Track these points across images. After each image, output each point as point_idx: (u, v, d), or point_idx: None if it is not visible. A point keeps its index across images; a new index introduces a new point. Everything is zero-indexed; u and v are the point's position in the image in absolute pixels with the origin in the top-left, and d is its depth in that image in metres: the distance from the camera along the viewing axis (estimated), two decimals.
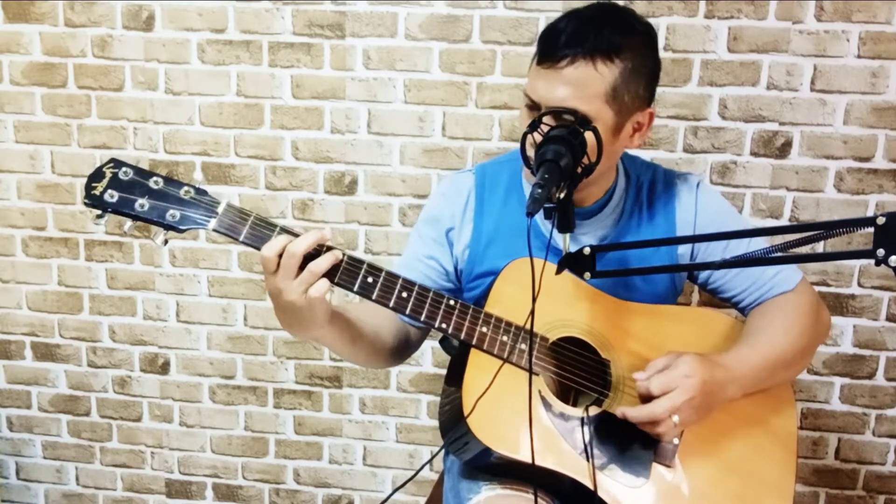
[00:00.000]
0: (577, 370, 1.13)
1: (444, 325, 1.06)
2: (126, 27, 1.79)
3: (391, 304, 1.03)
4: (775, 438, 1.15)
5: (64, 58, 1.82)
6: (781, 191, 1.73)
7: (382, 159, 1.80)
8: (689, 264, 1.21)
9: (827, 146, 1.70)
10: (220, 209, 0.99)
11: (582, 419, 1.08)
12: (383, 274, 1.03)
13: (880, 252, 0.79)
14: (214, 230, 0.98)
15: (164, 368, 1.98)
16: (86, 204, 0.97)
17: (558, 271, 1.06)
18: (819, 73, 1.66)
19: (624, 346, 1.14)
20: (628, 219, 1.20)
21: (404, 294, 1.04)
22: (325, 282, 0.97)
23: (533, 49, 1.10)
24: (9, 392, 2.04)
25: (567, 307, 1.14)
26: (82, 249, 1.93)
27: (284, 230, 0.98)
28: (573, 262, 1.04)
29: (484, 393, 1.02)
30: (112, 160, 0.98)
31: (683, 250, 1.22)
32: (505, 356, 1.07)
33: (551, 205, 1.02)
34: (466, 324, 1.07)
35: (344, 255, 1.00)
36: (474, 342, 1.07)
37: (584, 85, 1.03)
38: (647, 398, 1.05)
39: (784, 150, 1.71)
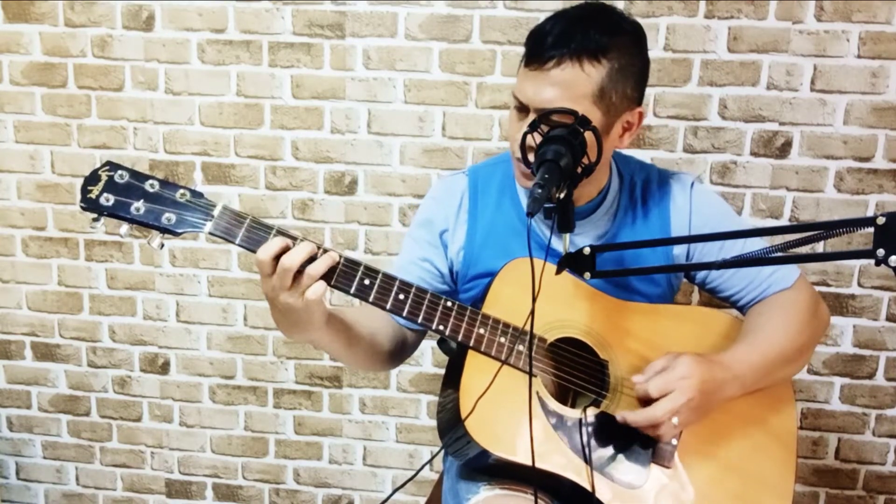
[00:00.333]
0: (576, 371, 1.13)
1: (441, 327, 1.06)
2: (126, 27, 1.79)
3: (388, 305, 1.03)
4: (775, 438, 1.15)
5: (64, 58, 1.82)
6: (781, 191, 1.73)
7: (382, 159, 1.80)
8: (688, 264, 1.21)
9: (827, 146, 1.70)
10: (216, 212, 0.98)
11: (580, 420, 1.08)
12: (380, 276, 1.02)
13: (880, 252, 0.79)
14: (210, 233, 0.98)
15: (164, 368, 1.98)
16: (82, 208, 0.96)
17: (558, 271, 1.06)
18: (819, 73, 1.66)
19: (622, 346, 1.14)
20: (623, 218, 1.20)
21: (401, 296, 1.04)
22: (321, 284, 0.97)
23: None
24: (9, 392, 2.04)
25: (565, 307, 1.13)
26: (82, 249, 1.93)
27: (281, 232, 0.98)
28: (573, 262, 1.04)
29: (482, 395, 1.01)
30: (108, 163, 0.98)
31: (680, 250, 1.22)
32: (503, 358, 1.07)
33: (551, 205, 1.02)
34: (464, 325, 1.07)
35: (341, 257, 1.00)
36: (472, 344, 1.07)
37: (572, 86, 1.03)
38: (646, 401, 1.05)
39: (784, 150, 1.71)
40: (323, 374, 1.94)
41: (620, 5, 1.65)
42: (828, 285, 1.77)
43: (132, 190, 0.97)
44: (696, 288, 1.78)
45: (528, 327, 1.01)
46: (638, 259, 1.19)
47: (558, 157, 0.99)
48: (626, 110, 1.09)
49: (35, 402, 2.04)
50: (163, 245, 0.99)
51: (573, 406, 1.12)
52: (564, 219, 1.04)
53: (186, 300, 1.93)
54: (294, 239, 0.97)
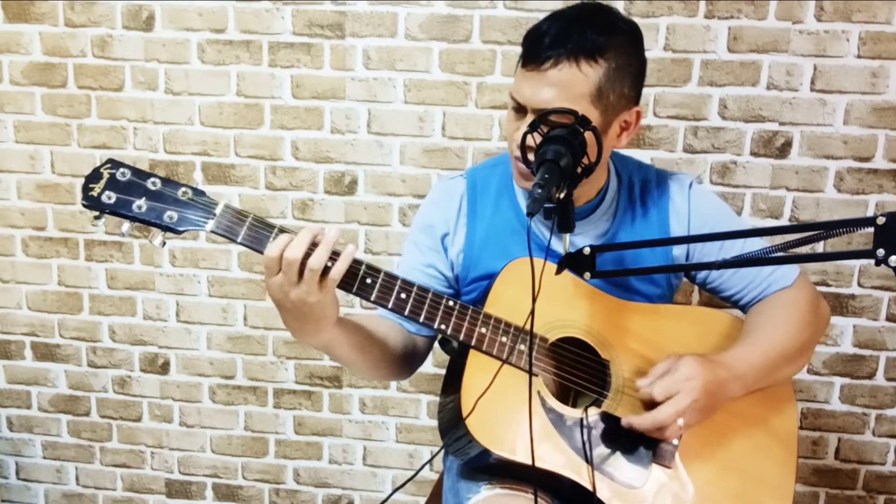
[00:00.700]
0: (577, 371, 1.13)
1: (442, 326, 1.06)
2: (126, 27, 1.79)
3: (390, 304, 1.03)
4: (775, 438, 1.15)
5: (64, 58, 1.82)
6: (781, 191, 1.73)
7: (382, 159, 1.80)
8: (688, 264, 1.21)
9: (827, 146, 1.70)
10: (218, 210, 0.98)
11: (581, 420, 1.08)
12: (382, 274, 1.02)
13: (880, 252, 0.79)
14: (212, 231, 0.98)
15: (164, 368, 1.98)
16: (83, 205, 0.96)
17: (558, 271, 1.06)
18: (819, 73, 1.66)
19: (623, 346, 1.14)
20: (622, 219, 1.20)
21: (403, 295, 1.04)
22: (342, 266, 0.96)
23: None
24: (9, 392, 2.04)
25: (566, 307, 1.13)
26: (82, 249, 1.93)
27: (283, 231, 0.98)
28: (573, 262, 1.04)
29: (483, 394, 1.01)
30: (109, 161, 0.98)
31: (679, 251, 1.22)
32: (504, 357, 1.07)
33: (551, 205, 1.02)
34: (465, 324, 1.07)
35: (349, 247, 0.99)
36: (473, 343, 1.07)
37: (569, 86, 1.03)
38: (649, 403, 1.05)
39: (784, 150, 1.71)
40: (323, 374, 1.94)
41: (620, 5, 1.65)
42: (828, 285, 1.77)
43: (134, 188, 0.97)
44: (696, 288, 1.78)
45: (528, 327, 1.01)
46: (637, 260, 1.20)
47: (558, 157, 0.99)
48: (623, 110, 1.09)
49: (35, 402, 2.04)
50: (164, 243, 0.99)
51: (574, 406, 1.12)
52: (564, 219, 1.04)
53: (186, 300, 1.93)
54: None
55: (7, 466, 2.09)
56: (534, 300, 0.98)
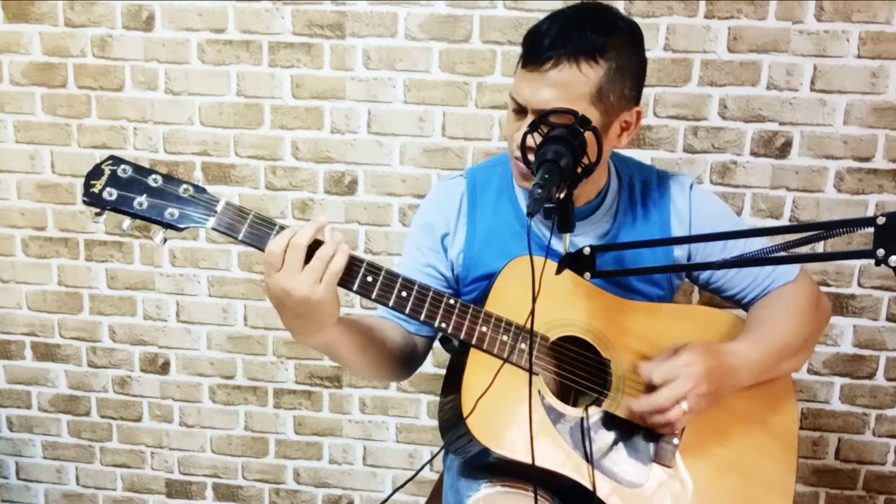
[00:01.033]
0: (577, 370, 1.13)
1: (443, 325, 1.06)
2: (126, 27, 1.79)
3: (391, 303, 1.03)
4: (776, 437, 1.15)
5: (64, 58, 1.82)
6: (781, 191, 1.73)
7: (382, 159, 1.80)
8: (689, 264, 1.21)
9: (827, 146, 1.70)
10: (219, 207, 0.98)
11: (582, 419, 1.08)
12: (383, 273, 1.02)
13: (880, 252, 0.79)
14: (213, 229, 0.97)
15: (164, 368, 1.98)
16: (84, 202, 0.96)
17: (558, 271, 1.06)
18: (819, 73, 1.66)
19: (624, 345, 1.14)
20: (623, 219, 1.21)
21: (404, 293, 1.04)
22: (340, 260, 0.96)
23: None
24: (9, 392, 2.04)
25: (567, 306, 1.14)
26: (82, 249, 1.93)
27: (284, 228, 0.98)
28: (573, 263, 1.04)
29: (484, 393, 1.01)
30: (111, 157, 0.97)
31: (680, 251, 1.22)
32: (505, 356, 1.07)
33: (551, 205, 1.02)
34: (466, 323, 1.07)
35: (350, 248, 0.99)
36: (474, 341, 1.07)
37: (569, 87, 1.03)
38: (651, 390, 1.05)
39: (784, 150, 1.71)
40: (323, 374, 1.94)
41: (620, 5, 1.65)
42: (828, 285, 1.77)
43: (135, 184, 0.97)
44: (696, 287, 1.78)
45: (529, 325, 1.01)
46: (638, 261, 1.20)
47: (558, 157, 0.99)
48: (623, 110, 1.09)
49: (35, 402, 2.04)
50: (165, 240, 0.99)
51: (575, 405, 1.12)
52: (564, 219, 1.04)
53: (186, 300, 1.93)
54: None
55: (7, 466, 2.09)
56: (534, 300, 0.98)
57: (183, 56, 1.80)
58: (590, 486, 1.04)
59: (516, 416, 1.04)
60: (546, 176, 0.96)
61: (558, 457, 1.05)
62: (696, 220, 1.21)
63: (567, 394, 1.15)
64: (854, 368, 1.81)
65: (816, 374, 1.82)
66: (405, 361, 1.21)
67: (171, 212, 0.97)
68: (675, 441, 1.09)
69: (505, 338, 1.08)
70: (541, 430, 1.05)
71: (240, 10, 1.76)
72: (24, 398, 2.04)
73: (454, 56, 1.73)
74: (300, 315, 0.97)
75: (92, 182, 0.96)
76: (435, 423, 1.94)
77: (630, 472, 1.08)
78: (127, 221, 0.97)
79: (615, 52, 1.05)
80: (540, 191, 0.94)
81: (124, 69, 1.82)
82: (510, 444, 1.03)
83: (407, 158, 1.80)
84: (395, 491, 1.28)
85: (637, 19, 1.12)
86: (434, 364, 1.90)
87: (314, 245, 0.95)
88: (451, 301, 1.06)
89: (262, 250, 0.97)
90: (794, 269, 1.21)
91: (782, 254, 0.92)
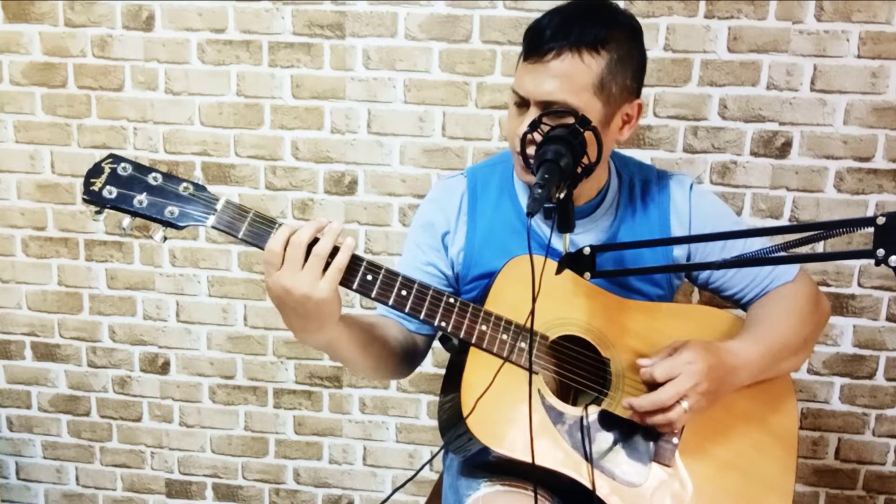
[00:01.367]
0: (577, 369, 1.13)
1: (443, 323, 1.06)
2: (126, 27, 1.79)
3: (390, 301, 1.03)
4: (775, 437, 1.15)
5: (64, 58, 1.82)
6: (781, 191, 1.73)
7: (382, 159, 1.80)
8: (689, 264, 1.21)
9: (827, 146, 1.70)
10: (219, 206, 0.98)
11: (581, 418, 1.08)
12: (383, 271, 1.02)
13: (880, 252, 0.79)
14: (213, 227, 0.97)
15: (164, 368, 1.98)
16: (84, 200, 0.96)
17: (558, 271, 1.06)
18: (819, 73, 1.67)
19: (624, 344, 1.14)
20: (623, 218, 1.21)
21: (404, 292, 1.03)
22: (344, 257, 0.96)
23: None
24: (9, 392, 2.04)
25: (567, 305, 1.14)
26: (82, 249, 1.93)
27: (284, 226, 0.98)
28: (573, 262, 1.04)
29: (484, 393, 1.01)
30: (111, 155, 0.97)
31: (680, 251, 1.23)
32: (505, 355, 1.07)
33: (551, 205, 1.02)
34: (466, 322, 1.07)
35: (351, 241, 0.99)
36: (474, 340, 1.07)
37: (572, 77, 1.04)
38: (652, 387, 1.05)
39: (784, 150, 1.71)
40: (323, 374, 1.94)
41: (620, 5, 1.65)
42: (828, 285, 1.77)
43: (135, 182, 0.97)
44: (696, 287, 1.78)
45: (529, 324, 1.01)
46: (638, 260, 1.20)
47: (558, 157, 0.99)
48: (625, 102, 1.10)
49: (35, 402, 2.04)
50: (165, 239, 0.99)
51: (575, 404, 1.12)
52: (564, 219, 1.04)
53: (186, 300, 1.93)
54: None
55: (7, 466, 2.09)
56: (534, 299, 0.98)
57: (183, 56, 1.80)
58: (589, 486, 1.04)
59: (516, 414, 1.04)
60: (546, 176, 0.97)
61: (558, 456, 1.05)
62: (696, 219, 1.21)
63: (567, 393, 1.15)
64: (854, 368, 1.81)
65: (816, 374, 1.82)
66: (406, 360, 1.21)
67: (171, 210, 0.97)
68: (675, 440, 1.09)
69: (505, 336, 1.08)
70: (540, 429, 1.05)
71: (240, 10, 1.76)
72: (24, 398, 2.04)
73: (454, 56, 1.73)
74: (301, 314, 0.97)
75: (92, 180, 0.96)
76: (435, 423, 1.94)
77: (629, 471, 1.08)
78: (127, 220, 0.97)
79: (616, 44, 1.05)
80: (540, 191, 0.94)
81: (124, 69, 1.82)
82: (510, 443, 1.03)
83: (407, 158, 1.80)
84: (395, 491, 1.28)
85: (637, 19, 1.12)
86: (434, 364, 1.90)
87: (315, 244, 0.95)
88: (451, 300, 1.06)
89: (262, 249, 0.97)
90: (794, 268, 1.21)
91: (782, 254, 0.92)
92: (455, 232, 1.23)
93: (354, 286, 1.00)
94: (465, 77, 1.74)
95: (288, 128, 1.81)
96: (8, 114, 1.87)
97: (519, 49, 1.11)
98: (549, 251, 1.04)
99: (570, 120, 1.03)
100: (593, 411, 1.09)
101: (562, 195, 1.02)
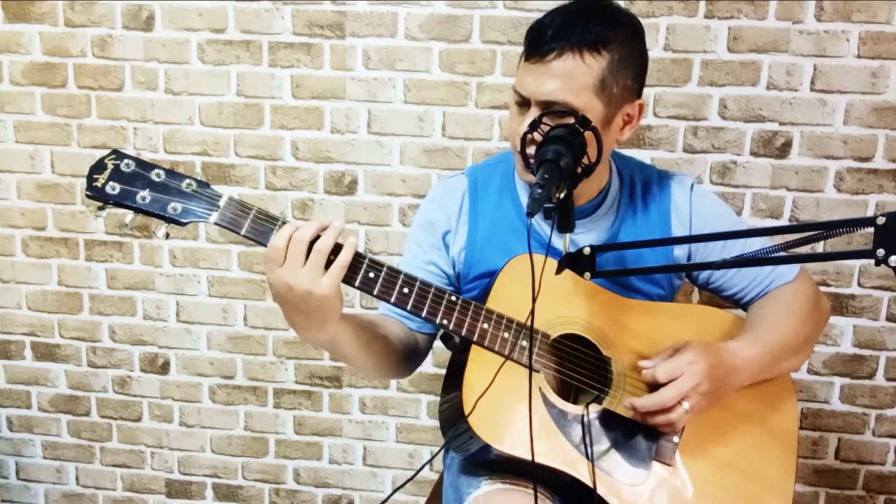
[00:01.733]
0: (578, 367, 1.13)
1: (445, 322, 1.06)
2: (126, 27, 1.79)
3: (392, 299, 1.03)
4: (775, 437, 1.15)
5: (64, 58, 1.82)
6: (781, 191, 1.73)
7: (382, 159, 1.80)
8: (689, 264, 1.22)
9: (827, 146, 1.70)
10: (222, 202, 0.98)
11: (582, 417, 1.08)
12: (385, 269, 1.02)
13: (880, 252, 0.79)
14: (216, 223, 0.97)
15: (164, 368, 1.98)
16: (87, 195, 0.96)
17: (558, 271, 1.06)
18: (819, 73, 1.67)
19: (625, 343, 1.14)
20: (624, 218, 1.21)
21: (406, 290, 1.03)
22: (347, 254, 0.96)
23: None
24: (9, 392, 2.04)
25: (568, 304, 1.14)
26: (82, 249, 1.93)
27: (287, 223, 0.98)
28: (573, 262, 1.04)
29: (485, 391, 1.01)
30: (114, 151, 0.98)
31: (680, 251, 1.23)
32: (506, 353, 1.07)
33: (551, 205, 1.02)
34: (468, 320, 1.07)
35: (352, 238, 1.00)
36: (475, 339, 1.07)
37: (573, 77, 1.04)
38: (653, 387, 1.05)
39: (784, 150, 1.71)
40: (323, 374, 1.94)
41: (620, 5, 1.65)
42: (828, 285, 1.77)
43: (138, 179, 0.97)
44: (696, 287, 1.78)
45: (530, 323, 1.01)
46: (638, 260, 1.20)
47: (558, 157, 0.99)
48: (626, 102, 1.10)
49: (35, 402, 2.04)
50: (168, 235, 0.99)
51: (576, 402, 1.12)
52: (564, 219, 1.04)
53: (186, 300, 1.93)
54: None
55: (7, 466, 2.09)
56: (534, 299, 0.98)
57: (183, 56, 1.80)
58: (590, 484, 1.04)
59: (517, 413, 1.04)
60: (546, 176, 0.97)
61: (559, 454, 1.05)
62: (697, 219, 1.21)
63: (568, 391, 1.15)
64: (854, 368, 1.81)
65: (816, 374, 1.82)
66: (407, 358, 1.21)
67: (174, 206, 0.97)
68: (676, 439, 1.09)
69: (506, 335, 1.08)
70: (541, 427, 1.05)
71: (240, 10, 1.76)
72: (24, 398, 2.04)
73: (454, 56, 1.73)
74: (303, 310, 0.97)
75: (95, 176, 0.96)
76: (435, 423, 1.94)
77: (630, 470, 1.08)
78: (130, 216, 0.97)
79: (618, 44, 1.06)
80: (540, 191, 0.94)
81: (124, 69, 1.82)
82: (511, 441, 1.03)
83: (407, 158, 1.80)
84: (395, 491, 1.27)
85: (639, 19, 1.12)
86: (434, 364, 1.90)
87: (317, 241, 0.95)
88: (453, 298, 1.06)
89: (265, 245, 0.97)
90: (794, 268, 1.22)
91: (782, 254, 0.92)
92: (456, 231, 1.23)
93: (357, 283, 1.01)
94: (465, 77, 1.74)
95: (288, 128, 1.81)
96: (8, 114, 1.87)
97: (519, 49, 1.11)
98: (549, 250, 1.04)
99: (571, 120, 1.03)
100: (594, 410, 1.09)
101: (562, 195, 1.02)
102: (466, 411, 1.01)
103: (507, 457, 1.03)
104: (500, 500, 1.09)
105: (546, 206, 0.98)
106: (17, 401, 2.05)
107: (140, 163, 0.98)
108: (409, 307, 1.04)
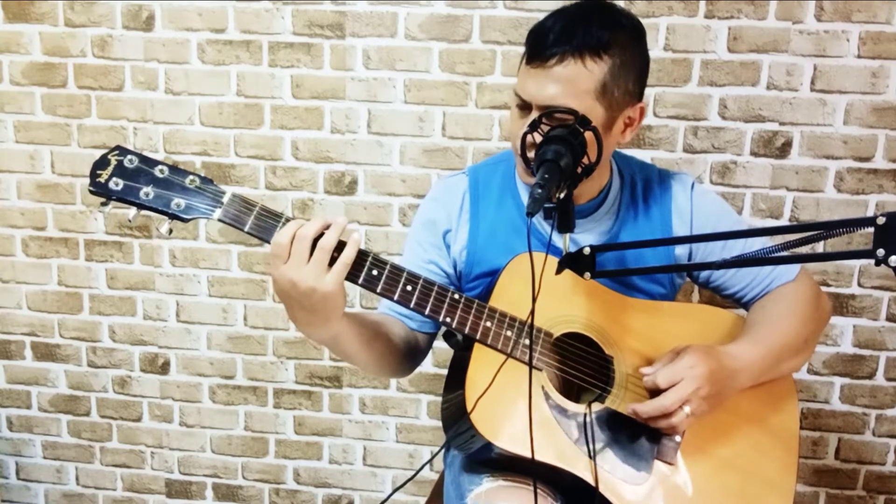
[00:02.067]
0: (581, 366, 1.14)
1: (448, 320, 1.06)
2: (126, 27, 1.79)
3: (395, 297, 1.03)
4: (776, 437, 1.15)
5: (64, 58, 1.82)
6: (781, 191, 1.73)
7: (382, 159, 1.80)
8: (690, 264, 1.22)
9: (827, 146, 1.70)
10: (226, 199, 0.98)
11: (584, 415, 1.08)
12: (388, 266, 1.02)
13: (880, 252, 0.79)
14: (219, 220, 0.97)
15: (164, 368, 1.98)
16: (91, 191, 0.96)
17: (558, 271, 1.06)
18: (819, 73, 1.67)
19: (626, 343, 1.14)
20: (625, 218, 1.21)
21: (409, 287, 1.03)
22: (351, 251, 0.96)
23: None
24: (9, 392, 2.04)
25: (570, 303, 1.14)
26: (82, 249, 1.93)
27: (290, 220, 0.98)
28: (573, 262, 1.04)
29: (487, 388, 1.02)
30: (117, 147, 0.98)
31: (681, 250, 1.23)
32: (508, 351, 1.07)
33: (551, 205, 1.02)
34: (470, 318, 1.07)
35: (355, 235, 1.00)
36: (478, 336, 1.07)
37: (574, 82, 1.04)
38: (654, 393, 1.05)
39: (784, 150, 1.71)
40: (323, 374, 1.94)
41: (620, 5, 1.65)
42: (828, 285, 1.77)
43: (141, 175, 0.97)
44: (696, 286, 1.78)
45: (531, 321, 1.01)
46: (639, 260, 1.20)
47: (558, 157, 0.99)
48: (627, 105, 1.10)
49: (35, 402, 2.04)
50: (171, 231, 0.99)
51: (578, 401, 1.12)
52: (564, 219, 1.04)
53: (186, 300, 1.93)
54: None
55: (7, 466, 2.09)
56: (534, 299, 0.98)
57: (183, 56, 1.80)
58: (592, 482, 1.04)
59: (519, 411, 1.04)
60: (546, 176, 0.97)
61: (560, 452, 1.05)
62: (698, 218, 1.21)
63: (570, 390, 1.15)
64: (854, 368, 1.81)
65: (816, 374, 1.82)
66: (408, 357, 1.21)
67: (178, 202, 0.97)
68: (678, 438, 1.09)
69: (509, 333, 1.08)
70: (544, 425, 1.05)
71: (240, 10, 1.76)
72: (24, 398, 2.04)
73: (454, 56, 1.73)
74: (307, 307, 0.97)
75: (98, 172, 0.96)
76: (435, 423, 1.94)
77: (631, 468, 1.08)
78: (133, 212, 0.97)
79: (619, 48, 1.05)
80: (540, 191, 0.94)
81: (124, 69, 1.82)
82: (513, 439, 1.03)
83: (407, 158, 1.80)
84: (394, 491, 1.27)
85: (640, 20, 1.12)
86: (434, 364, 1.90)
87: (321, 238, 0.95)
88: (456, 296, 1.06)
89: (268, 242, 0.97)
90: (795, 268, 1.22)
91: (782, 253, 0.92)
92: (457, 230, 1.23)
93: (360, 281, 1.01)
94: (465, 77, 1.74)
95: (288, 128, 1.81)
96: (8, 114, 1.87)
97: (519, 49, 1.11)
98: (550, 250, 1.04)
99: (571, 119, 1.03)
100: (596, 408, 1.10)
101: (562, 195, 1.02)
102: (468, 409, 1.01)
103: (508, 454, 1.03)
104: (502, 497, 1.09)
105: (546, 206, 0.98)
106: (17, 401, 2.05)
107: (143, 159, 0.97)
108: (412, 305, 1.04)
